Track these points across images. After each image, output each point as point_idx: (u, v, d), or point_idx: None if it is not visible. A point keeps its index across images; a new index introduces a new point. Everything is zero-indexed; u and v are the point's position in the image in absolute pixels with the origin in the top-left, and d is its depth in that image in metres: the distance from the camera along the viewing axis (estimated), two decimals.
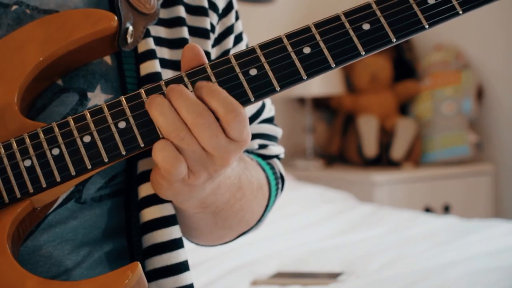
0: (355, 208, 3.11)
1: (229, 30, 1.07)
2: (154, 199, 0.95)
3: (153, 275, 0.94)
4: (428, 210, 3.84)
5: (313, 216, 2.94)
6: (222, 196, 0.98)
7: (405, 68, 4.20)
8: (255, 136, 1.10)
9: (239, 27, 1.10)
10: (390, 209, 3.15)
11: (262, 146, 1.12)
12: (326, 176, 3.96)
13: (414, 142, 3.97)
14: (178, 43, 1.00)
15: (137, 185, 0.96)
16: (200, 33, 1.02)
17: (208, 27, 1.03)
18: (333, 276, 2.16)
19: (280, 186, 1.13)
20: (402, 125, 3.97)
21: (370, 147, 3.97)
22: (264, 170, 1.09)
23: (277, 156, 1.14)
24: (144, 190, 0.95)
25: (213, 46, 1.05)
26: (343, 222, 2.90)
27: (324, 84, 3.95)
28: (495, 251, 2.34)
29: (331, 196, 3.33)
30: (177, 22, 1.01)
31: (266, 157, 1.13)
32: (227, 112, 0.84)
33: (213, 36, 1.05)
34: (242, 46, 1.10)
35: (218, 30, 1.06)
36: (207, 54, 1.03)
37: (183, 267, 0.95)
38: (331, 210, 3.05)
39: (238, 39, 1.10)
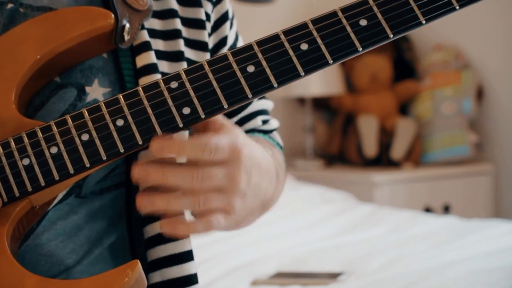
0: (355, 208, 3.11)
1: (224, 17, 1.08)
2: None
3: (157, 264, 0.95)
4: (428, 210, 3.83)
5: (313, 216, 2.94)
6: (273, 185, 0.99)
7: (405, 68, 4.19)
8: (257, 113, 1.11)
9: (231, 13, 1.11)
10: (390, 209, 3.15)
11: (264, 122, 1.13)
12: (326, 176, 3.96)
13: (414, 142, 3.97)
14: (171, 34, 1.01)
15: None
16: (194, 24, 1.03)
17: (203, 17, 1.03)
18: (333, 276, 2.15)
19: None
20: (402, 125, 3.97)
21: (370, 147, 3.96)
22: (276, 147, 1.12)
23: (275, 130, 1.17)
24: None
25: (210, 34, 1.06)
26: (343, 222, 2.90)
27: (324, 84, 3.95)
28: (495, 251, 2.34)
29: (331, 196, 3.33)
30: (170, 14, 1.01)
31: (267, 132, 1.15)
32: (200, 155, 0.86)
33: (209, 25, 1.05)
34: (233, 32, 1.11)
35: (213, 18, 1.06)
36: (204, 44, 1.03)
37: (188, 256, 0.96)
38: (331, 210, 3.05)
39: (232, 24, 1.10)
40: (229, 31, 1.09)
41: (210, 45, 1.06)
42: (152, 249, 0.95)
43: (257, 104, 1.12)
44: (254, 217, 0.99)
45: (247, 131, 1.12)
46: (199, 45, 1.03)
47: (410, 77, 4.19)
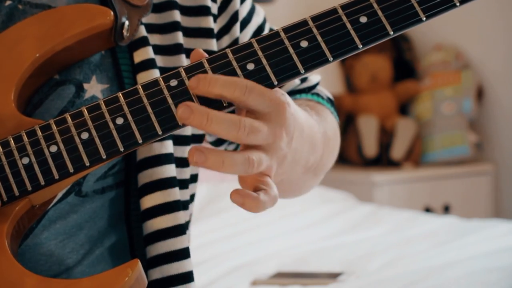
0: (355, 208, 3.11)
1: (234, 18, 1.07)
2: (155, 186, 0.95)
3: (157, 261, 0.95)
4: (428, 210, 3.83)
5: (313, 216, 2.94)
6: (319, 150, 0.96)
7: (405, 68, 4.19)
8: None
9: (243, 12, 1.09)
10: (390, 209, 3.14)
11: (303, 80, 1.11)
12: (326, 176, 3.92)
13: (414, 142, 3.97)
14: (169, 27, 1.00)
15: (137, 172, 0.96)
16: (196, 11, 1.02)
17: (207, 3, 1.02)
18: (333, 276, 2.15)
19: (333, 109, 1.13)
20: (402, 125, 3.97)
21: (370, 147, 3.96)
22: (322, 104, 1.09)
23: (318, 83, 1.14)
24: (144, 177, 0.95)
25: (217, 16, 1.04)
26: (343, 222, 2.90)
27: (324, 84, 3.92)
28: (495, 251, 2.34)
29: (331, 196, 3.32)
30: (168, 6, 1.01)
31: (310, 89, 1.12)
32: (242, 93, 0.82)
33: (215, 6, 1.04)
34: (246, 5, 1.09)
35: (222, 18, 1.05)
36: (209, 30, 1.02)
37: (186, 253, 0.96)
38: (331, 210, 3.04)
39: (245, 23, 1.09)
40: (239, 6, 1.07)
41: (218, 28, 1.05)
42: (151, 245, 0.95)
43: None
44: (300, 185, 0.96)
45: (287, 94, 1.10)
46: (202, 33, 1.02)
47: (410, 77, 4.18)
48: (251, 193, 0.81)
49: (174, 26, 1.00)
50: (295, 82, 1.10)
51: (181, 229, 0.95)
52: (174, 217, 0.95)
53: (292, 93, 1.11)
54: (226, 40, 1.06)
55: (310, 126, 0.93)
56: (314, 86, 1.14)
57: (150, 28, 0.99)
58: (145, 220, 0.95)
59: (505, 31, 3.94)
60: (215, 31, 1.04)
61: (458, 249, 2.39)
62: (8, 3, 0.94)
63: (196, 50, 0.87)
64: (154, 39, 0.99)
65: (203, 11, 1.02)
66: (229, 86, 0.82)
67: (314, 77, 1.14)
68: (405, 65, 4.19)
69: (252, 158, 0.81)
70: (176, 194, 0.96)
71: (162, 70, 0.97)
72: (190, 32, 1.02)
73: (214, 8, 1.04)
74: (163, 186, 0.94)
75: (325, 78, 4.60)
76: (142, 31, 0.97)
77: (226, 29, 1.06)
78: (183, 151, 0.99)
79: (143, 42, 0.97)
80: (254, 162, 0.81)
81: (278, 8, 4.08)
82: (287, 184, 0.96)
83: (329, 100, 1.15)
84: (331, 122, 1.06)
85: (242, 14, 1.08)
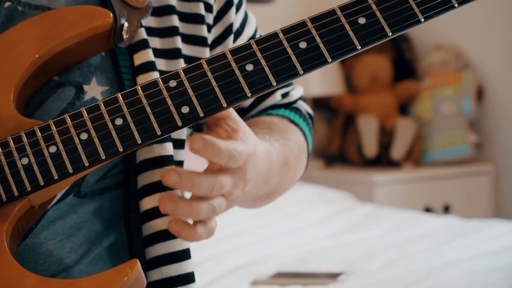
0: (355, 208, 3.11)
1: (228, 3, 1.07)
2: (155, 188, 0.95)
3: (156, 262, 0.95)
4: (428, 210, 3.83)
5: (313, 216, 2.94)
6: (272, 183, 1.00)
7: (405, 68, 4.19)
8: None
9: (237, 23, 1.10)
10: (390, 209, 3.14)
11: (284, 95, 1.13)
12: (326, 176, 3.96)
13: (414, 142, 3.97)
14: (168, 32, 1.00)
15: (136, 174, 0.96)
16: (192, 18, 1.02)
17: (202, 11, 1.03)
18: (333, 276, 2.15)
19: (310, 125, 1.15)
20: (402, 125, 3.97)
21: (370, 147, 3.96)
22: (294, 123, 1.11)
23: (299, 99, 1.16)
24: (144, 178, 0.95)
25: (212, 26, 1.05)
26: (343, 222, 2.90)
27: (324, 84, 3.94)
28: (495, 251, 2.34)
29: (331, 196, 3.32)
30: (167, 10, 1.01)
31: (290, 104, 1.14)
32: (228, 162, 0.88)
33: (210, 17, 1.04)
34: (240, 16, 1.10)
35: (216, 7, 1.06)
36: (203, 39, 1.03)
37: (186, 254, 0.96)
38: (331, 210, 3.04)
39: (238, 9, 1.10)
40: (234, 17, 1.08)
41: (212, 38, 1.05)
42: (150, 247, 0.95)
43: None
44: (252, 207, 1.03)
45: (267, 108, 1.12)
46: (197, 40, 1.03)
47: (410, 77, 4.18)
48: (188, 225, 0.87)
49: (173, 31, 1.00)
50: (277, 98, 1.11)
51: None
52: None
53: (272, 107, 1.12)
54: (219, 50, 1.06)
55: (269, 163, 0.97)
56: (295, 101, 1.15)
57: (150, 31, 0.99)
58: (145, 222, 0.95)
59: (505, 31, 3.94)
60: (209, 40, 1.05)
61: (458, 249, 2.38)
62: (7, 4, 0.94)
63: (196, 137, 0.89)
64: (154, 42, 0.99)
65: (198, 19, 1.03)
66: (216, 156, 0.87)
67: (296, 91, 1.15)
68: (405, 65, 4.19)
69: (213, 205, 0.88)
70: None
71: (162, 73, 0.97)
72: (186, 38, 1.02)
73: (209, 18, 1.04)
74: (163, 187, 0.94)
75: (325, 78, 4.56)
76: (142, 34, 0.97)
77: (220, 40, 1.07)
78: (181, 155, 1.00)
79: (143, 44, 0.97)
80: (216, 208, 0.88)
81: (278, 8, 4.08)
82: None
83: (308, 115, 1.15)
84: (294, 146, 1.08)
85: (236, 25, 1.09)
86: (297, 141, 1.08)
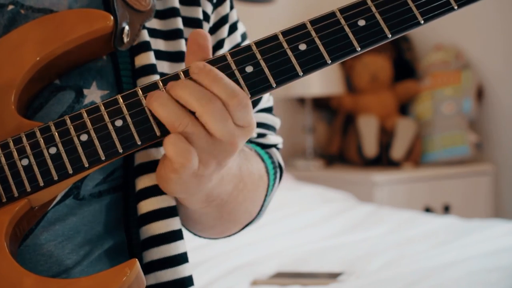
0: (355, 208, 3.11)
1: (223, 20, 1.07)
2: (152, 191, 0.95)
3: (151, 267, 0.94)
4: (428, 210, 3.83)
5: (313, 216, 2.94)
6: (226, 188, 0.97)
7: (405, 68, 4.20)
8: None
9: (233, 17, 1.09)
10: (390, 209, 3.15)
11: (260, 135, 1.11)
12: (326, 176, 3.96)
13: (414, 142, 3.97)
14: (173, 34, 1.00)
15: (134, 177, 0.96)
16: (193, 23, 1.02)
17: (201, 16, 1.03)
18: (333, 276, 2.15)
19: (278, 176, 1.12)
20: (402, 125, 3.97)
21: (370, 147, 3.97)
22: (263, 160, 1.08)
23: (275, 146, 1.13)
24: (142, 182, 0.95)
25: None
26: (343, 222, 2.90)
27: (324, 84, 3.95)
28: (495, 251, 2.34)
29: (331, 196, 3.33)
30: (171, 13, 1.01)
31: (264, 146, 1.12)
32: (230, 97, 0.84)
33: (207, 25, 1.04)
34: (237, 36, 1.10)
35: (213, 19, 1.06)
36: None
37: (181, 258, 0.95)
38: (331, 210, 3.05)
39: (233, 28, 1.09)
40: (227, 35, 1.07)
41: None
42: (147, 251, 0.95)
43: (256, 116, 1.09)
44: (186, 196, 0.94)
45: None
46: None
47: (410, 77, 4.19)
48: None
49: (177, 34, 1.00)
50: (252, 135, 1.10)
51: (176, 235, 0.95)
52: (169, 223, 0.95)
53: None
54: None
55: (228, 169, 0.94)
56: (270, 146, 1.12)
57: (154, 33, 0.99)
58: (142, 226, 0.95)
59: (505, 31, 3.94)
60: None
61: (458, 249, 2.39)
62: (10, 7, 0.94)
63: (196, 31, 0.87)
64: (158, 44, 0.99)
65: (197, 23, 1.03)
66: (229, 92, 0.84)
67: (274, 137, 1.13)
68: (405, 65, 4.20)
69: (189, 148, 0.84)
70: (172, 200, 0.95)
71: (164, 76, 0.97)
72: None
73: (206, 27, 1.04)
74: (159, 191, 0.94)
75: (325, 78, 4.58)
76: (145, 36, 0.97)
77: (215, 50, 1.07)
78: None
79: (145, 47, 0.97)
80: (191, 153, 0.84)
81: (278, 8, 4.08)
82: (190, 213, 0.99)
83: (278, 165, 1.12)
84: (255, 172, 1.04)
85: (232, 43, 1.09)
86: (258, 170, 1.06)
